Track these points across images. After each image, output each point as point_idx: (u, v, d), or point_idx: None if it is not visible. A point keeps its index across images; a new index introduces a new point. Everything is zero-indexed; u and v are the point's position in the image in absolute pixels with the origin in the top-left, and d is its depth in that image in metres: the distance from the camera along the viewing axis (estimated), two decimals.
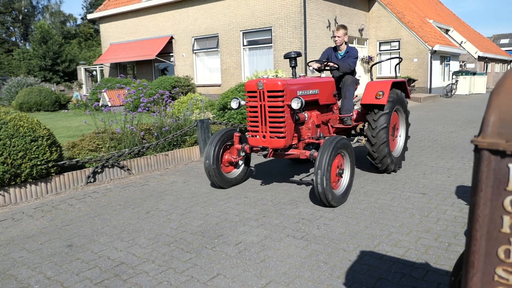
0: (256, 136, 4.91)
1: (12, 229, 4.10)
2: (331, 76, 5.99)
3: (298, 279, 2.94)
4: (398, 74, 6.91)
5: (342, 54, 6.09)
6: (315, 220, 4.08)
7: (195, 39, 19.99)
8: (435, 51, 20.95)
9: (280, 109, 4.64)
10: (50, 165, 5.17)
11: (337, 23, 18.71)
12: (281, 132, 4.68)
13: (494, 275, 1.01)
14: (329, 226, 3.92)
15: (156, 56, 20.25)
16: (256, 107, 4.83)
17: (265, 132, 4.78)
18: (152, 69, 22.80)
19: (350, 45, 5.90)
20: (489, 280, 1.02)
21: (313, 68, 5.91)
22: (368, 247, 3.44)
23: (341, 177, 4.59)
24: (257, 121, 4.84)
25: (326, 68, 5.98)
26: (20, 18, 55.60)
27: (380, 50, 22.09)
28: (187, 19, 19.95)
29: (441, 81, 23.68)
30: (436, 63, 22.48)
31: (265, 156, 4.88)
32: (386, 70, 22.11)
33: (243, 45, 18.29)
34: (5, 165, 4.69)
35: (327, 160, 4.16)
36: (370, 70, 6.55)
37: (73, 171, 5.59)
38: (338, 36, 5.96)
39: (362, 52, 21.82)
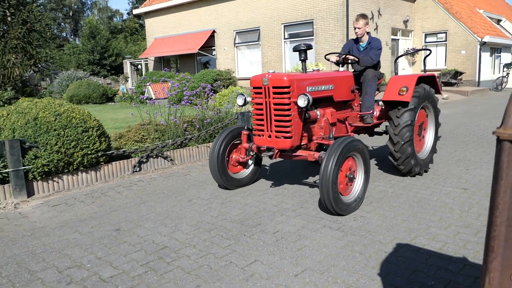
0: (262, 135, 4.56)
1: (65, 213, 4.41)
2: (352, 70, 5.66)
3: (333, 268, 3.02)
4: (426, 68, 6.65)
5: (364, 46, 5.59)
6: (353, 212, 4.12)
7: (236, 32, 20.20)
8: (485, 42, 20.08)
9: (286, 107, 4.25)
10: (99, 154, 5.48)
11: (380, 15, 18.33)
12: (287, 132, 4.29)
13: None
14: (366, 218, 3.95)
15: (199, 49, 20.63)
16: (261, 104, 4.45)
17: (271, 131, 4.42)
18: (195, 63, 23.24)
19: (372, 35, 5.56)
20: (508, 264, 1.07)
21: (332, 62, 5.54)
22: (404, 240, 3.46)
23: (352, 182, 4.19)
24: (262, 119, 4.48)
25: (348, 61, 5.52)
26: (71, 14, 58.02)
27: (425, 42, 21.43)
28: (229, 13, 20.16)
29: (490, 74, 22.66)
30: (486, 55, 21.53)
31: (270, 157, 4.53)
32: (432, 61, 21.40)
33: (284, 38, 18.30)
34: (59, 153, 5.03)
35: (333, 165, 3.80)
36: (395, 63, 6.12)
37: (120, 161, 5.89)
38: (358, 28, 5.46)
39: (407, 44, 21.25)
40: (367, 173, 4.28)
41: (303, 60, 4.67)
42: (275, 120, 4.35)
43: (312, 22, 17.10)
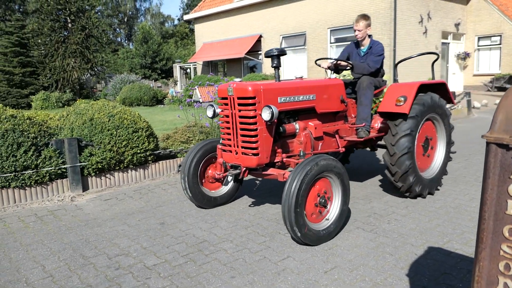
0: (229, 151, 4.12)
1: (116, 207, 4.77)
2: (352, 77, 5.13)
3: (362, 267, 3.13)
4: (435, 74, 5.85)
5: (364, 51, 5.02)
6: (387, 216, 4.19)
7: (283, 37, 20.41)
8: None
9: (251, 120, 3.77)
10: (147, 153, 5.85)
11: (430, 18, 17.90)
12: (253, 148, 3.83)
13: (499, 250, 1.18)
14: (400, 222, 4.01)
15: (245, 54, 21.03)
16: (228, 116, 4.01)
17: (237, 147, 3.99)
18: (241, 67, 23.68)
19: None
20: (495, 255, 1.19)
21: (323, 68, 5.02)
22: (436, 243, 3.50)
23: (325, 207, 3.63)
24: (229, 134, 4.03)
25: (340, 68, 5.05)
26: (125, 20, 60.64)
27: (478, 46, 20.65)
28: (276, 18, 20.42)
29: None
30: None
31: (237, 176, 4.14)
32: (485, 65, 20.58)
33: (330, 43, 18.30)
34: (111, 152, 5.43)
35: (296, 187, 3.30)
36: (394, 69, 5.36)
37: (166, 160, 6.24)
38: (359, 30, 4.89)
39: (458, 47, 20.57)
40: (346, 196, 3.70)
41: (275, 67, 4.04)
42: (241, 135, 3.89)
43: None
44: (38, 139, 5.12)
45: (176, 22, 64.67)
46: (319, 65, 5.03)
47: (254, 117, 3.77)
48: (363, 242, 3.57)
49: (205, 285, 2.92)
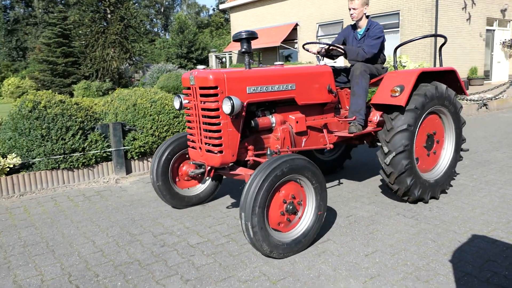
0: (194, 147, 3.69)
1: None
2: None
3: (403, 252, 3.12)
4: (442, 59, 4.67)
5: (361, 34, 4.43)
6: (428, 203, 4.13)
7: (319, 25, 20.17)
8: None
9: (213, 113, 3.32)
10: None
11: (474, 4, 17.20)
12: (216, 145, 3.38)
13: None
14: (442, 209, 3.95)
15: (281, 43, 20.93)
16: (191, 108, 3.58)
17: (201, 143, 3.55)
18: (277, 56, 23.61)
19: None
20: None
21: (312, 53, 4.46)
22: (481, 231, 3.43)
23: (296, 214, 3.18)
24: (193, 128, 3.61)
25: (331, 53, 4.49)
26: (162, 10, 61.50)
27: None
28: (312, 5, 20.18)
29: None
30: None
31: (202, 175, 3.85)
32: None
33: None
34: (153, 136, 5.59)
35: (255, 191, 2.84)
36: (394, 54, 4.60)
37: None
38: (353, 8, 4.32)
39: (504, 35, 19.70)
40: (321, 198, 3.22)
41: (245, 53, 3.55)
42: (204, 130, 3.47)
43: (398, 13, 16.55)
44: (84, 123, 5.34)
45: (211, 12, 65.01)
46: (307, 50, 4.48)
47: (216, 109, 3.29)
48: (404, 228, 3.55)
49: (247, 264, 3.00)
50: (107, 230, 3.71)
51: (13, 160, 4.84)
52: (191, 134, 3.68)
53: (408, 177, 3.86)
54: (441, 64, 4.56)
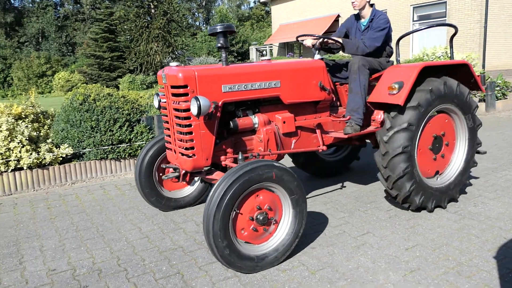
0: (170, 149, 3.51)
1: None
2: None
3: (445, 246, 3.08)
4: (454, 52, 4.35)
5: (364, 24, 4.06)
6: (473, 198, 4.03)
7: None
8: None
9: (183, 114, 3.10)
10: None
11: None
12: (187, 149, 3.18)
13: None
14: (488, 205, 3.84)
15: (322, 35, 20.68)
16: (166, 108, 3.38)
17: (176, 145, 3.35)
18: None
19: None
20: None
21: (308, 46, 4.08)
22: None
23: (269, 225, 2.90)
24: (168, 129, 3.43)
25: (327, 46, 4.10)
26: (203, 4, 62.18)
27: None
28: None
29: None
30: None
31: (177, 178, 3.59)
32: None
33: (413, 20, 17.39)
34: None
35: (216, 201, 2.60)
36: (396, 46, 4.09)
37: None
38: None
39: None
40: (299, 210, 2.93)
41: (221, 48, 3.27)
42: (177, 132, 3.27)
43: (445, 2, 15.94)
44: (131, 116, 5.57)
45: (252, 4, 65.04)
46: (301, 42, 4.18)
47: (187, 110, 3.07)
48: (447, 223, 3.49)
49: None
50: (152, 218, 3.88)
51: (65, 150, 5.13)
52: (168, 136, 3.48)
53: (407, 181, 3.49)
54: (451, 57, 4.25)
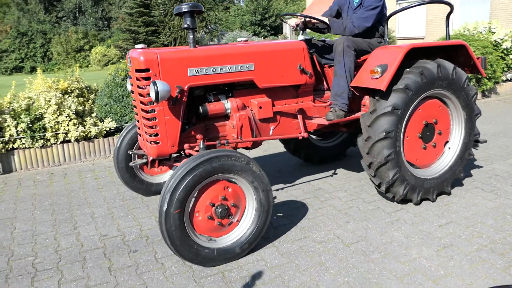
0: (140, 135, 3.37)
1: None
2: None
3: (479, 224, 3.12)
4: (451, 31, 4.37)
5: (357, 1, 3.76)
6: (510, 178, 4.01)
7: None
8: None
9: (146, 99, 2.95)
10: None
11: None
12: (152, 135, 3.04)
13: None
14: None
15: None
16: (133, 92, 3.19)
17: (143, 131, 3.21)
18: None
19: None
20: None
21: (292, 26, 3.63)
22: None
23: (229, 218, 2.78)
24: (137, 114, 3.26)
25: (313, 26, 3.84)
26: None
27: None
28: None
29: None
30: None
31: (146, 165, 3.56)
32: None
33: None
34: None
35: (169, 192, 2.51)
36: (385, 24, 3.75)
37: None
38: None
39: None
40: (265, 203, 2.80)
41: (188, 28, 3.05)
42: (143, 118, 3.09)
43: None
44: None
45: None
46: (285, 22, 3.85)
47: (149, 95, 2.89)
48: (481, 202, 3.52)
49: (321, 227, 3.19)
50: None
51: (109, 124, 5.38)
52: (137, 121, 3.34)
53: (390, 169, 3.27)
54: (447, 37, 3.85)
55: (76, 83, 5.83)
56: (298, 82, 3.45)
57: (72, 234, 3.27)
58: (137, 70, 2.94)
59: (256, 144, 3.52)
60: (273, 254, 2.84)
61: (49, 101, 5.13)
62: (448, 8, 3.72)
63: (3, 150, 4.88)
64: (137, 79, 2.97)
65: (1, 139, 4.87)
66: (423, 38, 18.29)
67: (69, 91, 5.57)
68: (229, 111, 3.25)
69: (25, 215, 3.66)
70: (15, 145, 4.95)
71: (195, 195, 2.65)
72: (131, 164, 3.68)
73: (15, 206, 3.89)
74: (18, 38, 33.21)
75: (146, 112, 2.98)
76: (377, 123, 3.23)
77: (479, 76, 7.93)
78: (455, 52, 3.65)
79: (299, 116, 3.56)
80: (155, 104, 2.91)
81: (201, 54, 3.06)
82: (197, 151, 3.07)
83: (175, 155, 3.16)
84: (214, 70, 3.08)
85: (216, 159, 2.60)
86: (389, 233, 3.06)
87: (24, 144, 4.97)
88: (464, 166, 3.75)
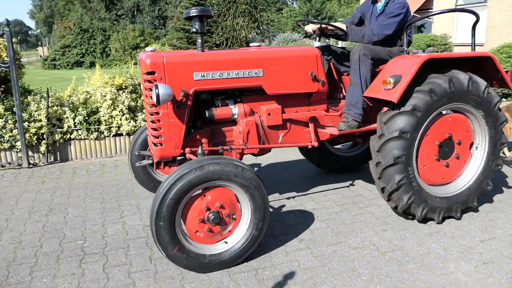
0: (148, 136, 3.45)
1: (277, 156, 5.31)
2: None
3: None
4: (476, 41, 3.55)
5: (380, 9, 3.64)
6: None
7: None
8: None
9: (152, 101, 2.95)
10: None
11: None
12: (156, 137, 3.05)
13: None
14: None
15: (414, 12, 19.63)
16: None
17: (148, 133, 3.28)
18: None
19: None
20: None
21: (309, 32, 3.79)
22: None
23: (221, 227, 2.74)
24: (146, 115, 3.33)
25: (328, 33, 3.74)
26: None
27: None
28: None
29: None
30: None
31: (152, 166, 3.56)
32: None
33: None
34: None
35: (160, 197, 2.53)
36: (404, 33, 3.51)
37: None
38: None
39: None
40: (261, 211, 2.75)
41: (197, 33, 3.03)
42: (149, 120, 3.12)
43: None
44: None
45: None
46: (303, 28, 3.88)
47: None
48: None
49: (358, 233, 3.20)
50: None
51: None
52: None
53: (404, 194, 3.14)
54: (473, 48, 3.54)
55: (130, 79, 6.12)
56: (310, 90, 3.36)
57: (119, 222, 3.47)
58: (145, 73, 2.96)
59: (263, 151, 3.47)
60: (307, 256, 2.88)
61: (105, 96, 5.44)
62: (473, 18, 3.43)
63: (61, 140, 5.23)
64: (145, 82, 2.99)
65: (60, 129, 5.22)
66: (482, 45, 17.51)
67: (123, 87, 5.86)
68: (236, 116, 3.22)
69: (77, 202, 3.93)
70: (72, 136, 5.29)
71: (185, 203, 2.63)
72: (137, 164, 3.74)
73: (69, 192, 4.17)
74: (80, 34, 35.02)
75: (151, 114, 3.02)
76: (386, 148, 3.10)
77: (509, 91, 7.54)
78: (482, 64, 3.45)
79: (311, 125, 3.47)
80: (159, 107, 2.93)
81: (208, 58, 3.06)
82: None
83: (180, 157, 3.18)
84: (221, 75, 3.06)
85: (220, 163, 2.60)
86: (427, 244, 3.01)
87: (80, 135, 5.31)
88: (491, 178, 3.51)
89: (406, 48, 3.50)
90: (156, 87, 2.74)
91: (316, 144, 3.45)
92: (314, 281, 2.59)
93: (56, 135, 5.20)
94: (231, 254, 2.74)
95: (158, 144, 3.04)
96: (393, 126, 3.07)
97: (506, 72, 3.46)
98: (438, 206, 3.28)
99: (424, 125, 3.14)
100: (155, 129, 3.02)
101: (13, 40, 5.06)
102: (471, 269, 2.69)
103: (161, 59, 2.90)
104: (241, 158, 3.26)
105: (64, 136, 5.26)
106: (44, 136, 5.15)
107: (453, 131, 3.32)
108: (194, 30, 3.02)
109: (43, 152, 5.18)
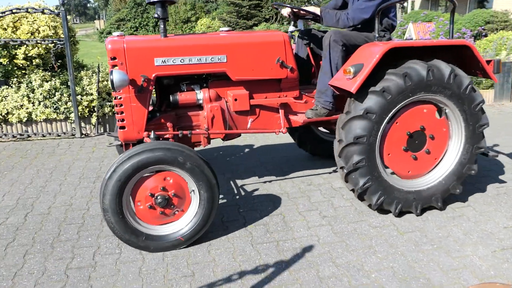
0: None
1: None
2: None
3: None
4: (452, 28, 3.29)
5: None
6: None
7: None
8: None
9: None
10: None
11: None
12: (119, 120, 3.11)
13: None
14: None
15: None
16: None
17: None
18: (467, 1, 21.04)
19: None
20: None
21: (284, 15, 3.65)
22: None
23: (171, 208, 2.81)
24: None
25: (304, 17, 3.59)
26: None
27: None
28: None
29: None
30: None
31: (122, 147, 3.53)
32: None
33: None
34: None
35: (106, 179, 2.65)
36: (376, 18, 3.18)
37: None
38: None
39: None
40: (210, 192, 2.79)
41: (159, 18, 3.03)
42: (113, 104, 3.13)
43: None
44: None
45: None
46: (279, 10, 3.76)
47: None
48: None
49: (380, 212, 3.30)
50: (266, 164, 4.41)
51: None
52: None
53: (360, 177, 3.04)
54: (451, 36, 3.36)
55: None
56: (277, 76, 3.30)
57: None
58: (110, 58, 2.98)
59: (230, 136, 3.47)
60: (327, 231, 3.04)
61: None
62: None
63: (110, 113, 5.62)
64: (111, 67, 3.02)
65: (109, 103, 5.60)
66: None
67: None
68: (201, 101, 3.27)
69: None
70: None
71: (133, 185, 2.73)
72: (107, 145, 3.78)
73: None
74: (134, 8, 35.94)
75: (114, 98, 3.10)
76: (349, 126, 3.01)
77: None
78: (461, 53, 3.23)
79: (281, 111, 3.42)
80: (121, 91, 3.00)
81: (169, 44, 3.08)
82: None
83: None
84: (182, 60, 3.07)
85: (155, 150, 2.67)
86: (448, 227, 3.07)
87: None
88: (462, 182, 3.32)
89: (377, 35, 3.22)
90: (111, 73, 2.83)
91: (284, 131, 3.43)
92: (330, 255, 2.75)
93: (106, 108, 5.59)
94: (192, 226, 2.82)
95: (122, 127, 3.12)
96: (359, 105, 2.98)
97: (488, 62, 3.28)
98: (397, 197, 3.16)
99: (394, 110, 3.01)
100: (118, 113, 3.10)
101: (68, 17, 5.44)
102: (488, 253, 2.74)
103: (121, 44, 2.96)
104: (208, 143, 3.36)
105: (113, 109, 5.64)
106: (95, 108, 5.55)
107: (427, 124, 3.17)
108: (156, 15, 3.04)
109: (93, 124, 5.60)
